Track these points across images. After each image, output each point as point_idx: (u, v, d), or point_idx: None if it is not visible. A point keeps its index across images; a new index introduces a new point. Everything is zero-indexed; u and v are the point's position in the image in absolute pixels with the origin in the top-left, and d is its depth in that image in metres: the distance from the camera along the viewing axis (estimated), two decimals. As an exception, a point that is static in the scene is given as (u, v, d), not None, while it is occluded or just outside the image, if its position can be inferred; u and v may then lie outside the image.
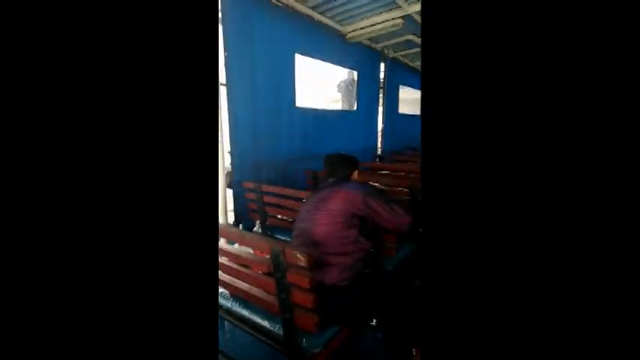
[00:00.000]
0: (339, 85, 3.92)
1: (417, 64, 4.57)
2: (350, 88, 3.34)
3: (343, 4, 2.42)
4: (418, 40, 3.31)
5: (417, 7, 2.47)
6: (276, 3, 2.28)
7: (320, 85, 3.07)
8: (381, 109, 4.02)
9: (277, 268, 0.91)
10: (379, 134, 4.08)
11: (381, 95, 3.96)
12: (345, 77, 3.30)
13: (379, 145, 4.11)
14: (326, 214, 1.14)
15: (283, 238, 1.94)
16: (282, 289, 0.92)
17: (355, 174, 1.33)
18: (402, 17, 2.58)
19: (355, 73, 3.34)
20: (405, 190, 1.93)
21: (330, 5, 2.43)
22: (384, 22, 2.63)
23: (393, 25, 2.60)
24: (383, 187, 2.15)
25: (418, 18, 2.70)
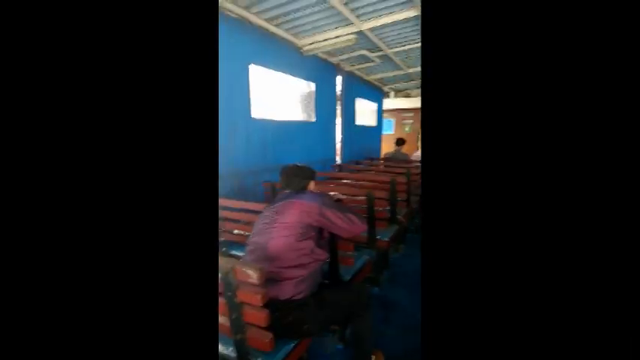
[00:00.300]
0: (301, 96, 3.96)
1: (372, 77, 4.80)
2: (307, 99, 3.38)
3: (298, 18, 2.47)
4: (371, 55, 3.49)
5: (370, 25, 2.61)
6: (229, 14, 2.25)
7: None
8: (339, 120, 4.13)
9: (227, 287, 0.86)
10: (338, 145, 4.17)
11: (338, 107, 4.08)
12: (304, 88, 3.34)
13: (338, 155, 4.20)
14: (282, 227, 1.12)
15: (240, 253, 1.86)
16: (234, 308, 0.88)
17: (311, 185, 1.33)
18: (355, 33, 2.70)
19: (313, 85, 3.40)
20: (363, 198, 1.99)
21: (285, 18, 2.46)
22: (337, 37, 2.73)
23: (346, 41, 2.71)
24: (341, 196, 2.19)
25: (370, 35, 2.85)
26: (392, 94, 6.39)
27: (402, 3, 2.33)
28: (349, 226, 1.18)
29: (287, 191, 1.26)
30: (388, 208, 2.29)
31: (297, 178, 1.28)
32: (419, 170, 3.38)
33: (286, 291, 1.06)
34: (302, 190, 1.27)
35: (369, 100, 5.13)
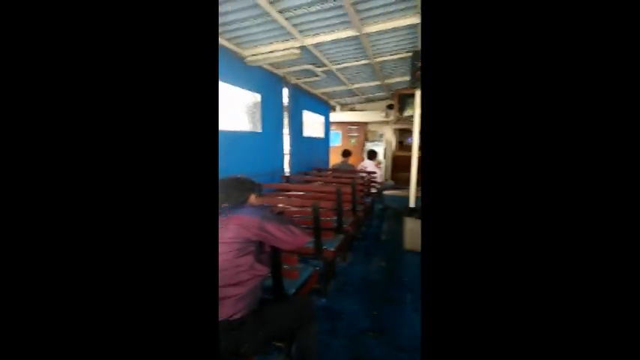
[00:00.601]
0: (246, 107, 3.86)
1: (319, 91, 4.94)
2: (253, 109, 3.32)
3: (239, 29, 2.44)
4: (317, 70, 3.59)
5: (313, 40, 2.69)
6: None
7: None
8: (286, 131, 4.13)
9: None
10: (286, 156, 4.16)
11: (285, 118, 4.09)
12: (249, 99, 3.27)
13: (287, 166, 4.18)
14: (219, 244, 1.05)
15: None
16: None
17: (252, 198, 1.28)
18: (299, 48, 2.76)
19: (259, 96, 3.37)
20: (310, 209, 1.99)
21: (225, 28, 2.41)
22: (281, 50, 2.76)
23: (290, 54, 2.75)
24: (283, 208, 2.17)
25: (314, 50, 2.94)
26: (338, 107, 6.65)
27: (342, 23, 2.47)
28: (291, 238, 1.17)
29: (224, 205, 1.20)
30: (335, 217, 2.34)
31: (236, 191, 1.23)
32: (364, 180, 3.55)
33: (223, 311, 0.99)
34: (242, 203, 1.22)
35: (315, 112, 5.25)
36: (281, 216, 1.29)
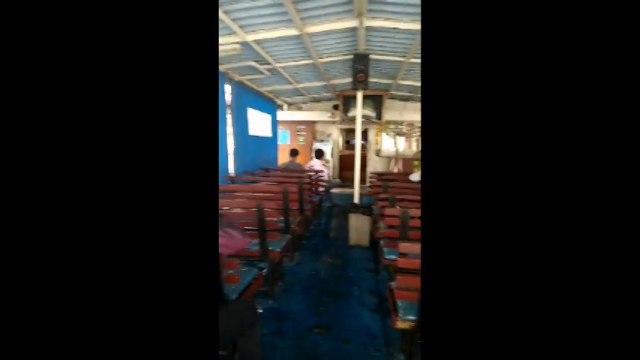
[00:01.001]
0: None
1: (264, 89, 4.84)
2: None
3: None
4: (260, 67, 3.51)
5: (254, 37, 2.62)
6: None
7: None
8: (230, 130, 3.96)
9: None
10: (230, 156, 3.99)
11: (229, 116, 3.92)
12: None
13: (231, 166, 4.02)
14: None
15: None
16: None
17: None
18: (240, 43, 2.67)
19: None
20: (254, 210, 1.94)
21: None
22: (221, 45, 2.63)
23: (231, 50, 2.64)
24: (232, 209, 2.08)
25: (256, 47, 2.87)
26: (285, 106, 6.61)
27: (284, 21, 2.44)
28: (230, 242, 1.12)
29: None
30: (281, 217, 2.32)
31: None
32: (311, 179, 3.58)
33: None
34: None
35: (262, 110, 5.13)
36: (220, 219, 1.22)
